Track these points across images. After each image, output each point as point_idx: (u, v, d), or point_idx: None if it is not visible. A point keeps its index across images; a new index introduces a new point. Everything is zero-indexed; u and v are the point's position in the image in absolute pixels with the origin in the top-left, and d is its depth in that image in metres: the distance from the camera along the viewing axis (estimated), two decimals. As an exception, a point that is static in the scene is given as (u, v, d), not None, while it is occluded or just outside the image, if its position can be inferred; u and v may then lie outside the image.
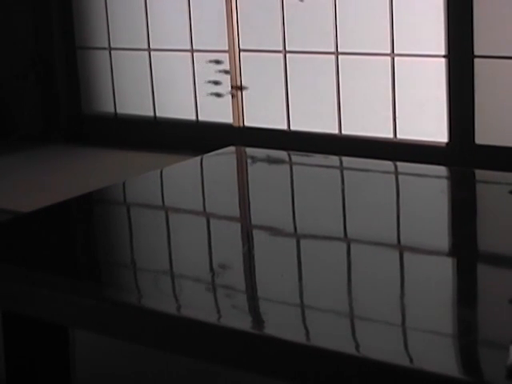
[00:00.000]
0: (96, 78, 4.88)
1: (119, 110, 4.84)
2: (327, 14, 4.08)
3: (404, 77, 3.96)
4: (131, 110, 4.79)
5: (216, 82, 4.39)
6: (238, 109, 4.42)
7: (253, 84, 4.38)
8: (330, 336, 1.36)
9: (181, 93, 4.60)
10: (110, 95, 4.84)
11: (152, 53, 4.65)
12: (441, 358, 1.26)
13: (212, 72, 4.41)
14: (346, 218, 2.04)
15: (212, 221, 2.09)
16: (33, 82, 4.90)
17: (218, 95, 4.40)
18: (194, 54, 4.51)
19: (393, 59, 3.95)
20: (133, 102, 4.78)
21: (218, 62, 4.36)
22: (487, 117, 3.79)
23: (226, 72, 4.36)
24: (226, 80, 4.38)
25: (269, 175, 2.48)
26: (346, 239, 1.89)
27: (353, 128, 4.12)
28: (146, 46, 4.65)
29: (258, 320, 1.49)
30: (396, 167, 2.50)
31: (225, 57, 4.35)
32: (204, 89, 4.45)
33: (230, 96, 4.39)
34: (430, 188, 2.26)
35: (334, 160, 2.65)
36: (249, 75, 4.38)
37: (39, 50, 4.89)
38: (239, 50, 4.37)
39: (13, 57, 4.93)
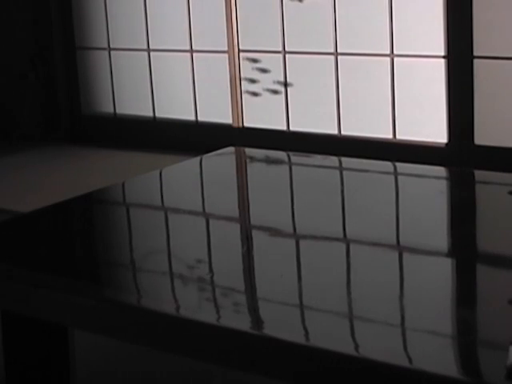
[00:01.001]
0: (96, 78, 4.88)
1: (119, 110, 4.84)
2: (327, 14, 4.08)
3: (404, 77, 3.96)
4: (130, 111, 4.79)
5: (252, 81, 4.35)
6: (237, 109, 4.42)
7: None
8: (330, 336, 1.36)
9: (180, 93, 4.60)
10: (110, 95, 4.84)
11: (151, 53, 4.65)
12: (441, 358, 1.26)
13: (248, 70, 4.36)
14: (345, 219, 2.04)
15: (211, 221, 2.10)
16: (33, 82, 4.91)
17: (255, 94, 4.35)
18: (195, 54, 4.51)
19: (392, 59, 3.95)
20: (132, 102, 4.78)
21: (254, 60, 4.32)
22: (487, 117, 3.79)
23: (263, 70, 4.30)
24: (263, 78, 4.32)
25: (268, 176, 2.48)
26: (346, 240, 1.89)
27: (352, 128, 4.12)
28: (145, 47, 4.65)
29: (257, 320, 1.49)
30: (395, 168, 2.50)
31: (262, 56, 4.30)
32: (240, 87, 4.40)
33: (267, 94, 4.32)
34: (430, 188, 2.27)
35: (333, 161, 2.65)
36: (248, 75, 4.39)
37: (39, 50, 4.89)
38: (239, 51, 4.37)
39: (13, 57, 4.93)
